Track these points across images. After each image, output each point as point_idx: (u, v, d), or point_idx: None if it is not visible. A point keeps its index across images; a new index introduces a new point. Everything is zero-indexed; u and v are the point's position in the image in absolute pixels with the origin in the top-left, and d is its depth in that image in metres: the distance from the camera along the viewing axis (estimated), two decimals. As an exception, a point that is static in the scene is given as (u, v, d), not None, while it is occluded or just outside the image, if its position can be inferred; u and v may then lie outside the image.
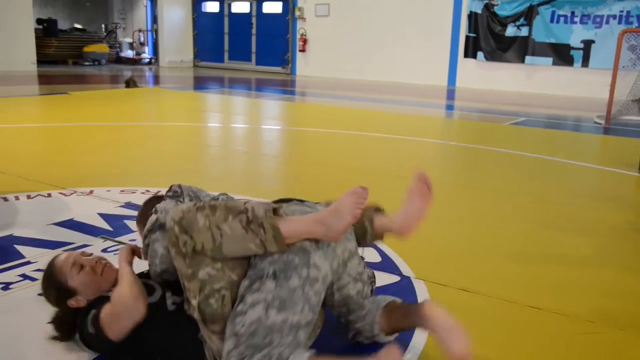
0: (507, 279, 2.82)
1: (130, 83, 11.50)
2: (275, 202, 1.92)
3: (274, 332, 1.62)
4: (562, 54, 13.37)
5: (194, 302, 1.70)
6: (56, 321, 2.07)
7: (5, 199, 3.74)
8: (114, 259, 2.17)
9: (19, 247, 2.93)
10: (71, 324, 1.99)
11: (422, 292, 2.59)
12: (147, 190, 3.99)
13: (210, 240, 1.65)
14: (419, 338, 2.11)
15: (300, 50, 17.28)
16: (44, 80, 12.94)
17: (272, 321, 1.62)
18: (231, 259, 1.69)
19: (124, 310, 1.81)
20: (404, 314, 1.93)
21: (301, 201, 1.94)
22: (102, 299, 1.95)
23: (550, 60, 13.53)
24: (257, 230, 1.65)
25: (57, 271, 2.04)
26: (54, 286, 2.03)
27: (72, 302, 1.98)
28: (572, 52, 13.24)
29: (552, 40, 13.43)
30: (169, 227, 1.70)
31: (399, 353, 1.66)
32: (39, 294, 2.38)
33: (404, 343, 2.05)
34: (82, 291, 2.00)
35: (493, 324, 2.36)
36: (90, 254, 2.16)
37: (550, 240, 3.42)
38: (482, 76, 14.43)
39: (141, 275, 2.07)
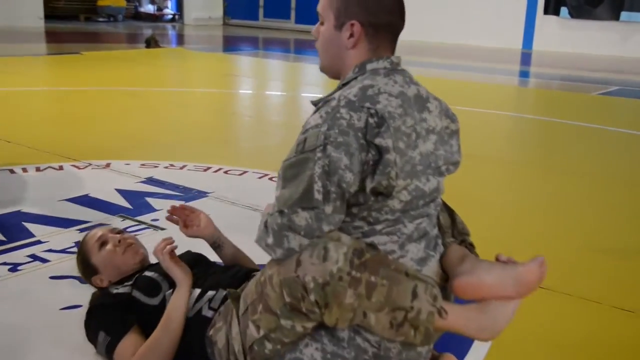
0: (589, 274, 2.79)
1: (151, 42, 11.65)
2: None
3: None
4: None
5: (255, 334, 1.66)
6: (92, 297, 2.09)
7: (12, 171, 3.87)
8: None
9: (28, 225, 3.03)
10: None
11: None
12: (171, 165, 4.06)
13: (347, 321, 1.56)
14: (477, 351, 2.06)
15: (347, 6, 17.16)
16: (53, 37, 13.23)
17: None
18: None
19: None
20: None
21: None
22: (116, 295, 1.97)
23: (651, 17, 13.13)
24: (407, 331, 1.56)
25: (85, 245, 2.19)
26: (80, 261, 2.19)
27: (96, 281, 2.12)
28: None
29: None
30: (303, 281, 1.53)
31: None
32: (51, 277, 2.49)
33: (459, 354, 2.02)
34: (103, 270, 2.12)
35: (572, 325, 2.35)
36: (120, 231, 2.26)
37: (644, 232, 3.36)
38: (566, 37, 14.09)
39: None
